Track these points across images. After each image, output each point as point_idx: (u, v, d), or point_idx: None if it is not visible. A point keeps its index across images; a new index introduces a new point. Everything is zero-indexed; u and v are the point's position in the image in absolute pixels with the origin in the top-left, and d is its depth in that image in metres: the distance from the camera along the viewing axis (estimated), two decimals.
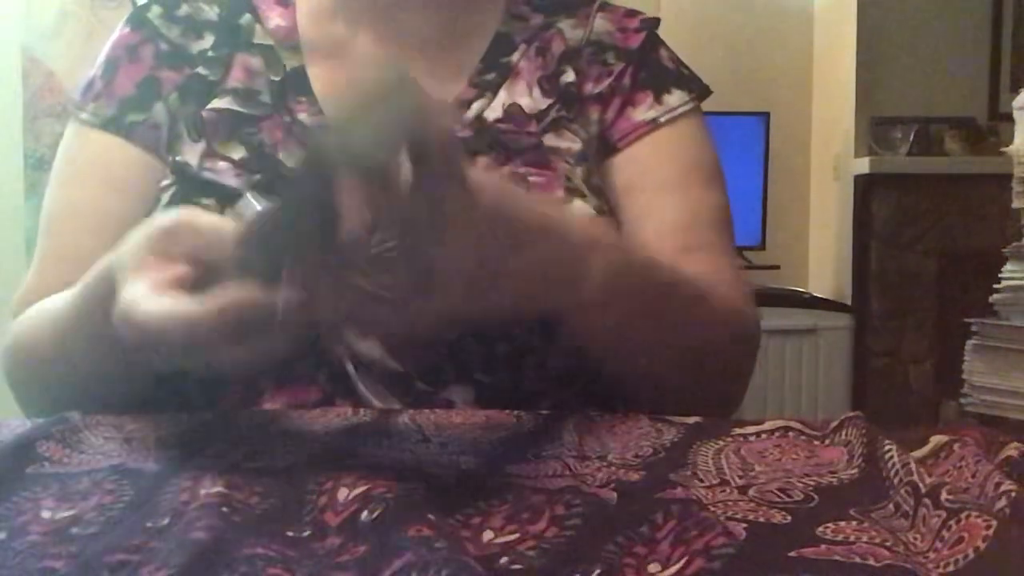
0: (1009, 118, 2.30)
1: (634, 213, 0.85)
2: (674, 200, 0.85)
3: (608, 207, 0.84)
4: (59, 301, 0.72)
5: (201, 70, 0.83)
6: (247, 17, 0.85)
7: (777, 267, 3.40)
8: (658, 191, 0.85)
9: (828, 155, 3.54)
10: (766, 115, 3.39)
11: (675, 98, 0.88)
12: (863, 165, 3.24)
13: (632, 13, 0.93)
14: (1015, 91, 2.22)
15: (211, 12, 0.86)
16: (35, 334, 0.77)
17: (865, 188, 3.26)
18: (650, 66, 0.89)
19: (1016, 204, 2.15)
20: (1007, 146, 2.17)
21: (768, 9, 3.66)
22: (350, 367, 0.75)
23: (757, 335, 0.84)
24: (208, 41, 0.85)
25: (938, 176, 3.20)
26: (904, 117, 3.26)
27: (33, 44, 2.83)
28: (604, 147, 0.87)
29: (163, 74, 0.84)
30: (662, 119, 0.87)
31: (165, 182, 0.80)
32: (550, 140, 0.82)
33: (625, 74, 0.88)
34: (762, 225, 3.35)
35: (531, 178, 0.79)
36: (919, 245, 3.21)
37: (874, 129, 3.28)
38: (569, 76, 0.86)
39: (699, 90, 0.90)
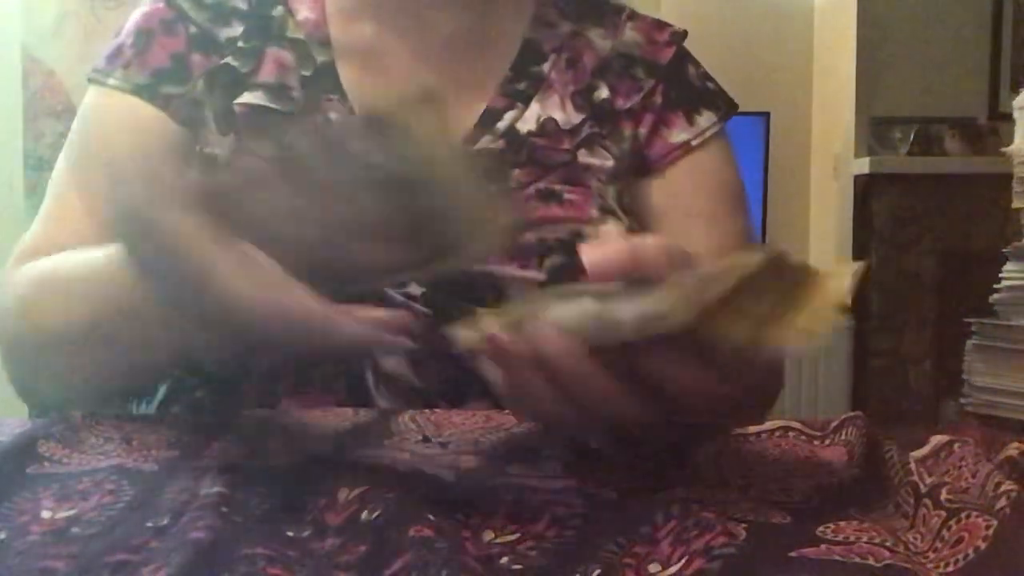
0: (1009, 118, 2.31)
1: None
2: (704, 230, 0.85)
3: (638, 227, 0.83)
4: (93, 260, 0.63)
5: (231, 60, 0.81)
6: (279, 9, 0.83)
7: None
8: (689, 218, 0.85)
9: (828, 155, 3.54)
10: (766, 115, 3.39)
11: (705, 119, 0.88)
12: (863, 165, 3.24)
13: (661, 25, 0.92)
14: (1015, 91, 2.23)
15: (240, 1, 0.84)
16: (54, 300, 0.68)
17: (865, 188, 3.26)
18: (680, 85, 0.89)
19: (1016, 204, 2.15)
20: (1007, 146, 2.17)
21: (768, 9, 3.66)
22: (370, 378, 0.74)
23: (783, 361, 0.84)
24: (237, 30, 0.83)
25: (938, 176, 3.19)
26: (904, 117, 3.26)
27: (33, 44, 2.83)
28: (640, 167, 0.86)
29: (193, 57, 0.82)
30: (694, 142, 0.87)
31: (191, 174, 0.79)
32: (583, 157, 0.82)
33: (656, 91, 0.87)
34: (762, 225, 3.34)
35: (565, 196, 0.78)
36: (919, 245, 3.20)
37: (874, 129, 3.28)
38: (603, 92, 0.85)
39: (726, 107, 0.90)
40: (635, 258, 0.52)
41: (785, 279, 0.49)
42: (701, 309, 0.44)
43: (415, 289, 0.74)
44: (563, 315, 0.52)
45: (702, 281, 0.49)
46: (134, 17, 0.85)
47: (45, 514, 0.44)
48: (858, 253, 3.29)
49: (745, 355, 0.45)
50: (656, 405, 0.48)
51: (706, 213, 0.86)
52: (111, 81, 0.82)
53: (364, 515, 0.40)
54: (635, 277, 0.53)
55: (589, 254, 0.51)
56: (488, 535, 0.40)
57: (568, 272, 0.75)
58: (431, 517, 0.39)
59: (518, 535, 0.39)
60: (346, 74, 0.82)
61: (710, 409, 0.47)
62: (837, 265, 0.54)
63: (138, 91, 0.81)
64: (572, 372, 0.46)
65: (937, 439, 0.53)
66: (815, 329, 0.46)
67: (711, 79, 0.92)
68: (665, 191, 0.86)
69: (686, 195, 0.86)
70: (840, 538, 0.40)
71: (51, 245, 0.75)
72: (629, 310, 0.49)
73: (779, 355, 0.46)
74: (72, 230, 0.76)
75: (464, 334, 0.53)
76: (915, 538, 0.41)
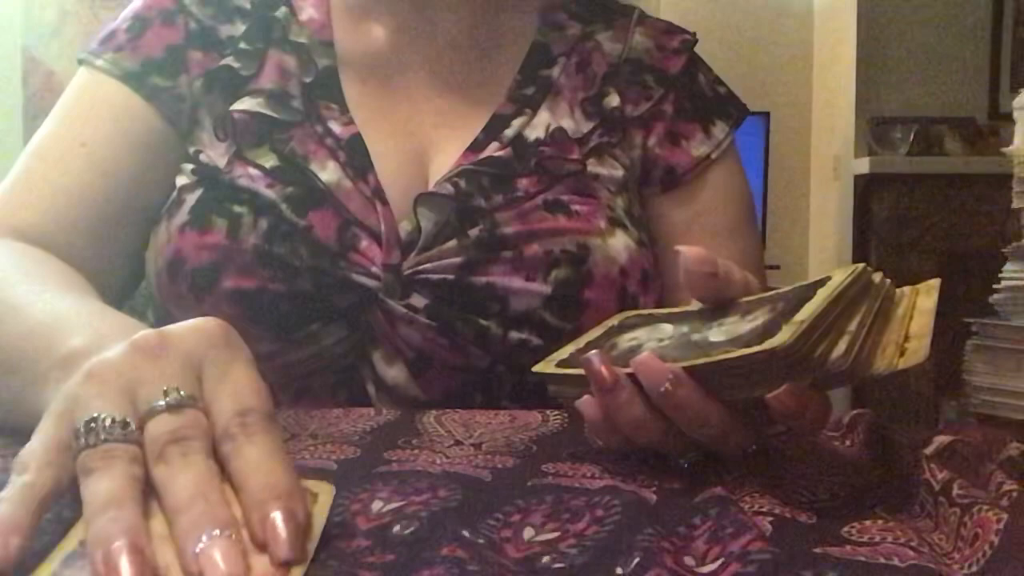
0: (1009, 118, 2.30)
1: None
2: (726, 243, 0.84)
3: (648, 239, 0.82)
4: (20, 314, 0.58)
5: (232, 62, 0.79)
6: (283, 11, 0.82)
7: (777, 267, 3.41)
8: (712, 233, 0.85)
9: (828, 155, 3.55)
10: (766, 115, 3.40)
11: (719, 130, 0.87)
12: (863, 165, 3.25)
13: (671, 30, 0.91)
14: (1015, 91, 2.22)
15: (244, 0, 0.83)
16: None
17: (865, 188, 3.27)
18: (692, 95, 0.88)
19: (1016, 204, 2.15)
20: (1007, 146, 2.17)
21: (768, 9, 3.67)
22: (371, 390, 0.74)
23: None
24: (239, 28, 0.81)
25: (938, 176, 3.20)
26: (904, 117, 3.27)
27: (33, 44, 2.82)
28: (666, 180, 0.85)
29: (192, 54, 0.80)
30: (714, 155, 0.86)
31: (184, 181, 0.77)
32: (592, 166, 0.81)
33: (666, 100, 0.86)
34: (762, 225, 3.35)
35: (573, 207, 0.77)
36: (919, 245, 3.21)
37: (874, 129, 3.29)
38: (613, 100, 0.84)
39: (736, 114, 0.89)
40: (719, 271, 0.52)
41: (871, 297, 0.49)
42: (799, 330, 0.44)
43: (418, 301, 0.73)
44: (656, 342, 0.52)
45: (788, 301, 0.49)
46: (135, 3, 0.83)
47: (65, 512, 0.44)
48: (858, 253, 3.30)
49: (849, 374, 0.45)
50: (757, 424, 0.48)
51: (728, 226, 0.86)
52: (99, 63, 0.80)
53: (396, 528, 0.40)
54: (708, 297, 0.54)
55: (688, 248, 0.52)
56: (529, 532, 0.40)
57: (574, 285, 0.74)
58: (465, 534, 0.39)
59: (559, 533, 0.40)
60: (348, 81, 0.81)
61: (808, 425, 0.47)
62: (921, 283, 0.54)
63: (125, 78, 0.79)
64: (677, 400, 0.46)
65: (941, 439, 0.53)
66: (922, 349, 0.46)
67: (721, 83, 0.91)
68: (689, 206, 0.85)
69: (710, 210, 0.85)
70: (865, 538, 0.40)
71: (7, 216, 0.75)
72: (720, 332, 0.50)
73: (888, 373, 0.46)
74: (31, 203, 0.75)
75: (556, 364, 0.53)
76: (940, 539, 0.41)
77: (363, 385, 0.74)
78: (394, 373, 0.74)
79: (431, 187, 0.77)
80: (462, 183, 0.76)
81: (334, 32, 0.83)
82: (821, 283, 0.50)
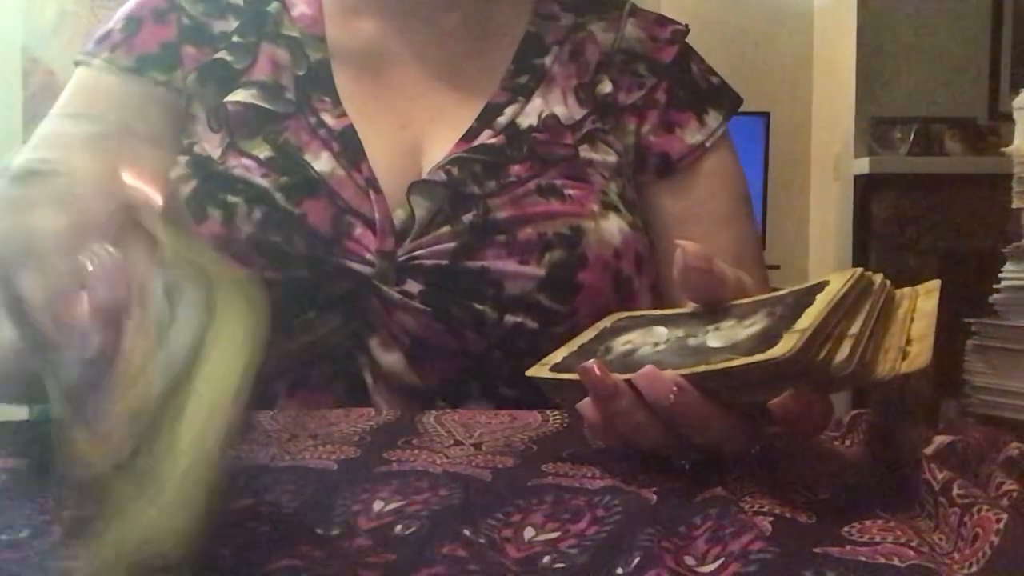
0: (1009, 118, 2.30)
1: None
2: (726, 235, 0.84)
3: (641, 223, 0.83)
4: None
5: (225, 55, 0.80)
6: (275, 5, 0.83)
7: (777, 267, 3.40)
8: (712, 224, 0.85)
9: (828, 155, 3.55)
10: (766, 115, 3.40)
11: (712, 118, 0.87)
12: (863, 165, 3.25)
13: (663, 21, 0.92)
14: (1015, 91, 2.22)
15: None
16: None
17: (865, 188, 3.27)
18: (685, 84, 0.88)
19: (1016, 204, 2.15)
20: (1007, 146, 2.17)
21: (768, 9, 3.67)
22: (368, 378, 0.75)
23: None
24: (231, 24, 0.82)
25: (938, 176, 3.20)
26: (904, 117, 3.27)
27: (33, 44, 2.82)
28: (662, 166, 0.85)
29: (185, 49, 0.82)
30: (708, 143, 0.86)
31: (178, 172, 0.78)
32: (585, 152, 0.81)
33: (658, 89, 0.87)
34: (762, 225, 3.35)
35: (566, 191, 0.78)
36: (919, 245, 3.21)
37: (874, 129, 3.29)
38: (606, 87, 0.84)
39: (729, 104, 0.90)
40: (715, 271, 0.52)
41: (872, 299, 0.49)
42: (803, 339, 0.44)
43: (413, 287, 0.74)
44: (652, 347, 0.52)
45: (786, 306, 0.49)
46: (128, 4, 0.85)
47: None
48: (858, 253, 3.30)
49: (852, 379, 0.45)
50: (757, 426, 0.48)
51: (724, 214, 0.86)
52: (96, 62, 0.81)
53: (398, 528, 0.40)
54: (701, 296, 0.54)
55: (686, 243, 0.52)
56: (529, 532, 0.40)
57: (568, 268, 0.75)
58: (466, 532, 0.39)
59: (559, 533, 0.40)
60: (341, 74, 0.82)
61: (810, 428, 0.47)
62: (921, 285, 0.54)
63: (123, 73, 0.81)
64: (681, 409, 0.46)
65: (941, 439, 0.53)
66: (924, 354, 0.46)
67: (714, 73, 0.91)
68: (684, 194, 0.86)
69: (705, 198, 0.86)
70: (865, 538, 0.40)
71: None
72: (717, 337, 0.49)
73: (893, 379, 0.45)
74: None
75: (551, 368, 0.53)
76: (940, 539, 0.41)
77: (360, 373, 0.75)
78: (391, 360, 0.74)
79: (424, 176, 0.77)
80: (455, 171, 0.77)
81: (326, 27, 0.84)
82: (819, 288, 0.50)
